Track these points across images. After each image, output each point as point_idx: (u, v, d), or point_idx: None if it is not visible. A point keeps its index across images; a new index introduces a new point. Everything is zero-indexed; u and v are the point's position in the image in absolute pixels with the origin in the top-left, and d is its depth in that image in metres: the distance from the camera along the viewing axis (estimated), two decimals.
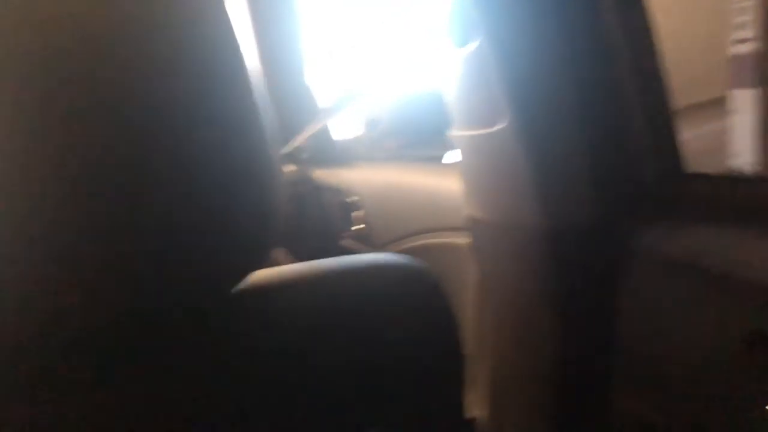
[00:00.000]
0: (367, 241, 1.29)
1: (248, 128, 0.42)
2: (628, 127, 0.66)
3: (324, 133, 1.51)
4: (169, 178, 0.38)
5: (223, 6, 0.40)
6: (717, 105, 1.41)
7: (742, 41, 1.38)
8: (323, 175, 1.46)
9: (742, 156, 1.37)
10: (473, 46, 0.65)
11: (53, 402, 0.39)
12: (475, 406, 0.94)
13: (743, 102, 1.39)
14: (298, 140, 1.38)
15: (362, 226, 1.30)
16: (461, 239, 0.99)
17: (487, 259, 0.78)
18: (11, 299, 0.35)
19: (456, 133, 0.75)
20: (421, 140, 1.42)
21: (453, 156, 1.17)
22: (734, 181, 0.64)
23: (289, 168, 1.49)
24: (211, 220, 0.40)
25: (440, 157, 1.34)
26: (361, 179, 1.31)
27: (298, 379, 0.45)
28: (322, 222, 1.44)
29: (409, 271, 0.53)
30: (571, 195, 0.65)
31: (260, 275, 0.48)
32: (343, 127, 1.53)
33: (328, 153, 1.51)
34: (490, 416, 0.87)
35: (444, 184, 1.04)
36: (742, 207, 0.58)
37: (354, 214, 1.32)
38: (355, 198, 1.31)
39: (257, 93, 0.42)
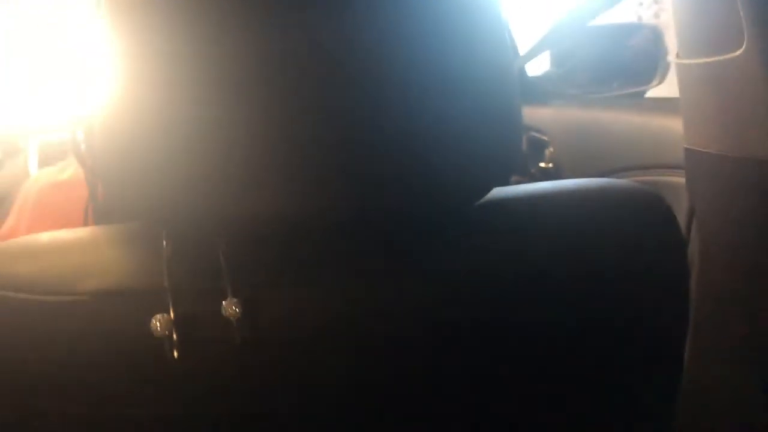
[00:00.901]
0: (554, 179, 1.26)
1: (497, 49, 0.43)
2: None
3: (521, 70, 1.48)
4: (427, 90, 0.40)
5: None
6: None
7: None
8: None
9: None
10: None
11: (294, 292, 0.42)
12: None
13: None
14: None
15: (550, 165, 1.28)
16: (663, 177, 0.94)
17: (704, 195, 0.74)
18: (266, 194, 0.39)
19: (681, 60, 0.71)
20: (612, 76, 1.36)
21: (659, 90, 1.11)
22: None
23: None
24: (463, 133, 0.42)
25: (637, 94, 1.28)
26: (553, 116, 1.28)
27: (530, 296, 0.46)
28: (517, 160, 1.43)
29: (646, 198, 0.52)
30: None
31: (499, 192, 0.50)
32: (539, 63, 1.49)
33: (524, 91, 1.48)
34: (691, 366, 0.84)
35: (647, 119, 1.00)
36: None
37: (543, 152, 1.30)
38: (546, 135, 1.28)
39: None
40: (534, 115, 1.34)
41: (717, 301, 0.75)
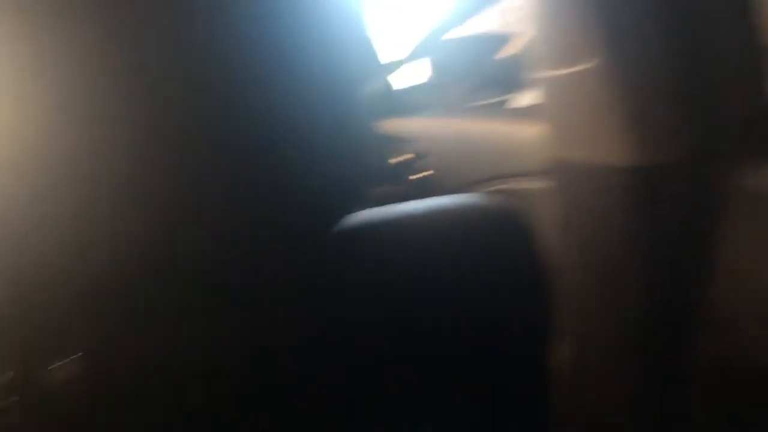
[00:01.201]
0: (431, 191, 1.27)
1: (339, 76, 0.42)
2: (720, 62, 0.63)
3: (385, 82, 1.49)
4: (266, 123, 0.38)
5: None
6: None
7: None
8: (386, 125, 1.44)
9: None
10: None
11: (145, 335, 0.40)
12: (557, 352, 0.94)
13: None
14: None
15: (429, 172, 1.29)
16: (533, 184, 0.97)
17: (572, 201, 0.76)
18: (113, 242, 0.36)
19: (541, 73, 0.73)
20: (487, 84, 1.39)
21: (524, 99, 1.15)
22: None
23: None
24: (307, 165, 0.40)
25: (507, 101, 1.32)
26: (427, 127, 1.29)
27: (390, 321, 0.45)
28: (386, 171, 1.43)
29: (502, 212, 0.52)
30: (662, 132, 0.63)
31: (354, 218, 0.49)
32: (406, 74, 1.50)
33: (390, 102, 1.49)
34: (573, 359, 0.87)
35: (515, 128, 1.02)
36: None
37: (420, 162, 1.30)
38: (421, 146, 1.29)
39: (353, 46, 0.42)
40: (410, 126, 1.35)
41: (586, 304, 0.78)
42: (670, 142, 0.64)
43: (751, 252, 0.59)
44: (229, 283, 0.42)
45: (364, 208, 0.49)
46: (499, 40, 1.36)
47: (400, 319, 0.45)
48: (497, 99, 1.30)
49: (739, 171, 0.60)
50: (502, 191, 1.05)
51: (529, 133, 0.97)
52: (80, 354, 0.36)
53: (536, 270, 0.52)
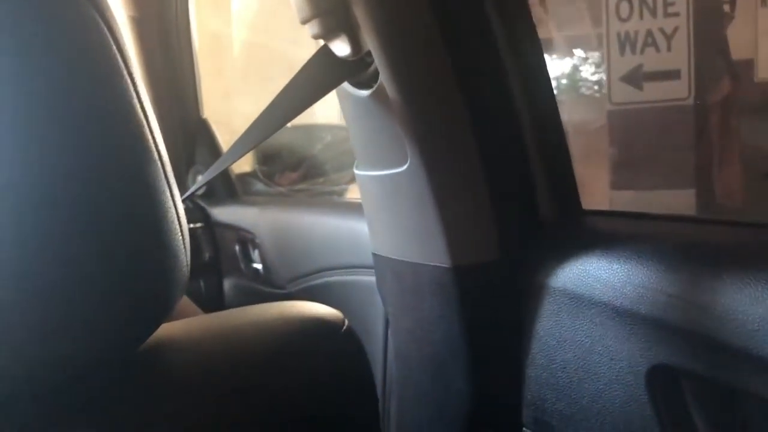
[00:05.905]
0: (266, 281, 1.25)
1: (145, 176, 0.39)
2: (526, 166, 0.67)
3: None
4: (64, 233, 0.35)
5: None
6: None
7: None
8: (220, 212, 1.41)
9: None
10: (373, 87, 0.65)
11: None
12: None
13: None
14: (201, 182, 1.33)
15: (260, 266, 1.26)
16: (364, 277, 0.97)
17: (393, 297, 0.77)
18: None
19: (360, 172, 0.74)
20: (319, 174, 1.41)
21: (355, 192, 1.17)
22: (632, 217, 0.66)
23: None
24: (108, 277, 0.37)
25: (338, 192, 1.33)
26: (259, 216, 1.27)
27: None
28: (218, 262, 1.39)
29: (320, 320, 0.51)
30: (473, 233, 0.66)
31: (167, 329, 0.45)
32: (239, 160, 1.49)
33: (224, 188, 1.46)
34: None
35: (346, 221, 1.03)
36: (639, 243, 0.60)
37: (253, 252, 1.28)
38: (254, 235, 1.27)
39: (151, 129, 0.40)
40: (242, 214, 1.32)
41: (418, 386, 0.78)
42: (481, 243, 0.66)
43: (563, 347, 0.61)
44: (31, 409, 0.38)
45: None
46: (329, 129, 1.39)
47: None
48: (331, 189, 1.31)
49: (550, 269, 0.63)
50: (333, 283, 1.05)
51: (356, 227, 0.98)
52: None
53: (356, 375, 0.51)
